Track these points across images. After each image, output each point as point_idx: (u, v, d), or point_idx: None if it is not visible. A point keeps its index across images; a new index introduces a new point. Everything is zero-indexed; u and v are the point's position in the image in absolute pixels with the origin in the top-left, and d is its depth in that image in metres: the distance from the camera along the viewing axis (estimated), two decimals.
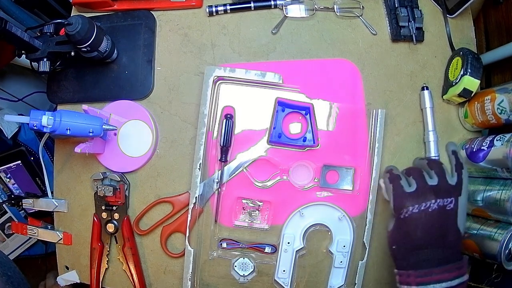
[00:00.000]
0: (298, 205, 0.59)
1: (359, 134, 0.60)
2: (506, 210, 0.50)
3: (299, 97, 0.60)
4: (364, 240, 0.57)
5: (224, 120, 0.59)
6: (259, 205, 0.60)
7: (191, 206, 0.58)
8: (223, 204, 0.60)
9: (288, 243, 0.58)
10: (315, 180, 0.59)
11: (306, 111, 0.60)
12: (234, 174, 0.60)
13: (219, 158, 0.60)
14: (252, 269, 0.59)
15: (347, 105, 0.61)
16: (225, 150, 0.59)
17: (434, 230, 0.44)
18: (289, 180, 0.59)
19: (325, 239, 0.60)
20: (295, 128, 0.61)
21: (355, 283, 0.57)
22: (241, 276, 0.59)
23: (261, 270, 0.60)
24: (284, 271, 0.58)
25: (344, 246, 0.58)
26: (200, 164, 0.58)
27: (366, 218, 0.57)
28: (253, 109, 0.61)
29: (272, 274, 0.59)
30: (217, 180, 0.59)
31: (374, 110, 0.59)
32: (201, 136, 0.58)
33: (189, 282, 0.57)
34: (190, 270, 0.57)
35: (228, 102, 0.60)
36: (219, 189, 0.59)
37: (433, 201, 0.44)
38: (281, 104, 0.60)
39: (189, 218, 0.58)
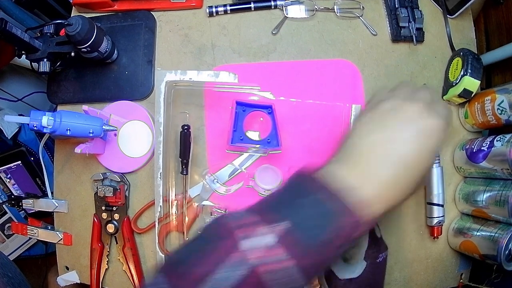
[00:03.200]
0: None
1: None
2: (506, 211, 0.50)
3: (261, 96, 0.58)
4: None
5: (181, 132, 0.56)
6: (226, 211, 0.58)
7: (156, 214, 0.56)
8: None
9: None
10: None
11: (268, 110, 0.56)
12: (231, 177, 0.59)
13: (180, 172, 0.57)
14: None
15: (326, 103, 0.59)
16: (185, 162, 0.57)
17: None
18: (252, 187, 0.58)
19: None
20: (256, 129, 0.58)
21: None
22: None
23: None
24: None
25: None
26: (160, 173, 0.55)
27: None
28: (211, 112, 0.59)
29: None
30: (211, 183, 0.59)
31: (347, 105, 0.58)
32: (159, 145, 0.54)
33: None
34: None
35: (184, 107, 0.59)
36: (185, 202, 0.58)
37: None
38: (241, 104, 0.56)
39: (156, 227, 0.56)
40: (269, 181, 0.56)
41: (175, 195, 0.59)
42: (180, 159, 0.57)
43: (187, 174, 0.58)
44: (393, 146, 0.35)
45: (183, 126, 0.57)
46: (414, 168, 0.35)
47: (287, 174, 0.56)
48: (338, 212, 0.32)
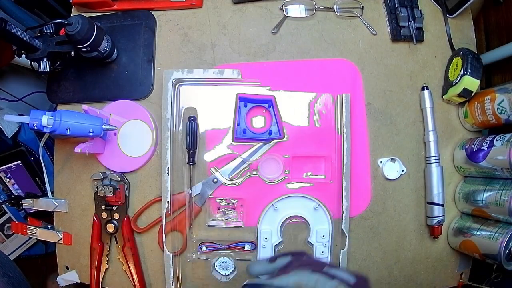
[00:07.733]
0: (270, 199, 0.58)
1: (358, 133, 0.60)
2: (506, 210, 0.50)
3: (261, 91, 0.60)
4: (343, 228, 0.57)
5: (188, 123, 0.59)
6: (233, 203, 0.59)
7: (164, 211, 0.57)
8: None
9: (266, 238, 0.58)
10: (286, 172, 0.59)
11: (268, 103, 0.59)
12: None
13: (186, 162, 0.59)
14: (233, 268, 0.59)
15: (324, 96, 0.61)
16: (191, 153, 0.59)
17: None
18: (258, 175, 0.59)
19: (303, 230, 0.60)
20: (259, 122, 0.60)
21: None
22: (223, 275, 0.59)
23: (243, 268, 0.60)
24: None
25: (323, 236, 0.58)
26: (168, 168, 0.57)
27: (342, 205, 0.57)
28: (215, 107, 0.61)
29: None
30: (215, 180, 0.60)
31: (339, 96, 0.59)
32: (166, 140, 0.57)
33: (172, 287, 0.57)
34: (171, 275, 0.57)
35: (190, 104, 0.61)
36: (191, 193, 0.59)
37: None
38: (243, 100, 0.60)
39: (163, 223, 0.57)
40: (272, 171, 0.59)
41: (177, 193, 0.60)
42: (187, 150, 0.59)
43: (194, 164, 0.59)
44: None
45: (189, 118, 0.59)
46: None
47: (290, 162, 0.59)
48: None
